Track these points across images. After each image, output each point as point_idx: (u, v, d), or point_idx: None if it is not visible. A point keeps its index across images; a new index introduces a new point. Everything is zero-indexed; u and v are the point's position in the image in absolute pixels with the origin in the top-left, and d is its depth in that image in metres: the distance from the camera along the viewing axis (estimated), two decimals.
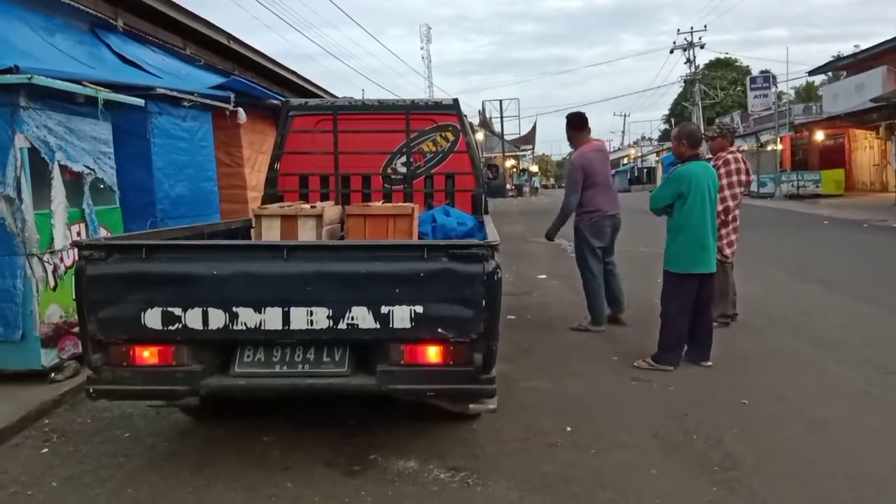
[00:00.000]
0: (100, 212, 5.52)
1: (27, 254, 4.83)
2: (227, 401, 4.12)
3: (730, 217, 6.19)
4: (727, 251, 6.20)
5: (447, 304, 3.19)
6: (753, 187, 30.64)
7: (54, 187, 5.04)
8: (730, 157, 6.28)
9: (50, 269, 4.99)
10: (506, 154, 50.15)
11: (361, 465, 3.62)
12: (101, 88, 5.51)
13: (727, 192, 6.10)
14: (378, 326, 3.19)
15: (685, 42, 45.08)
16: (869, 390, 4.66)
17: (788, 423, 4.11)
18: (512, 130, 55.51)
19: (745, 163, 6.37)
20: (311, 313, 3.18)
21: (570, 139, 6.71)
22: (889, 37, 25.50)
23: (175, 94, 6.98)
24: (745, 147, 35.32)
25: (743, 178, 6.29)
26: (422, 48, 56.56)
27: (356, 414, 4.22)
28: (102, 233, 5.47)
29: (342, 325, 3.19)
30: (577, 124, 6.65)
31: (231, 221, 5.71)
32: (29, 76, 4.65)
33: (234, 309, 3.18)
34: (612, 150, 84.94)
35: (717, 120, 31.48)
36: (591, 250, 6.45)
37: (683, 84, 49.62)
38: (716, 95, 49.87)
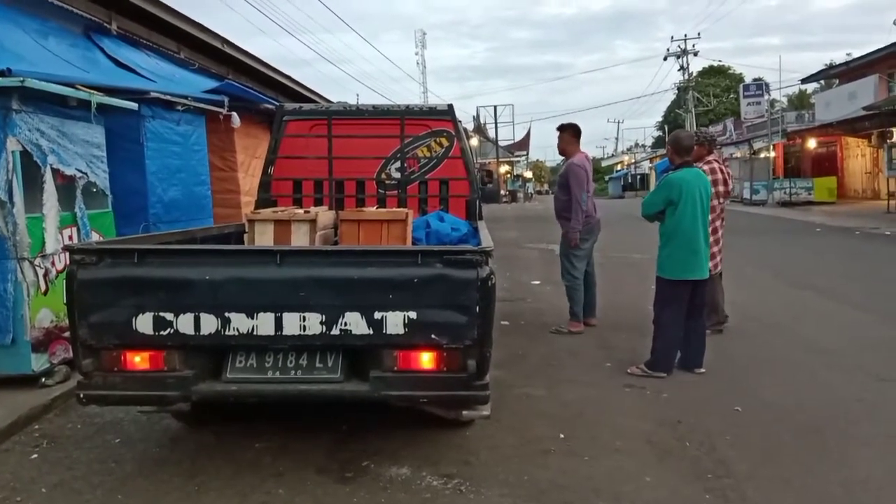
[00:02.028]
0: (92, 216, 5.49)
1: (18, 258, 4.79)
2: (219, 407, 4.09)
3: (708, 230, 5.98)
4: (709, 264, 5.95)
5: (441, 310, 3.18)
6: (746, 194, 30.81)
7: (46, 191, 5.01)
8: (705, 167, 6.02)
9: (41, 273, 4.96)
10: (500, 160, 50.18)
11: (354, 472, 3.60)
12: (95, 92, 5.49)
13: None
14: (371, 332, 3.18)
15: (679, 49, 45.40)
16: (862, 397, 4.67)
17: (781, 429, 4.11)
18: (506, 136, 55.60)
19: (722, 172, 6.23)
20: (304, 319, 3.17)
21: (565, 147, 6.74)
22: (881, 45, 25.70)
23: (169, 97, 6.96)
24: (738, 154, 35.48)
25: (721, 188, 6.12)
26: (417, 53, 56.77)
27: (349, 420, 4.20)
28: (94, 237, 5.43)
29: (335, 331, 3.18)
30: (574, 132, 6.75)
31: (224, 226, 5.68)
32: (22, 79, 4.62)
33: (227, 314, 3.17)
34: (605, 156, 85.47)
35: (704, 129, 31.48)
36: (582, 253, 6.63)
37: (677, 91, 49.91)
38: (709, 103, 50.13)
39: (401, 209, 5.24)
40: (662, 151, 49.03)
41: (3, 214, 4.75)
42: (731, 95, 49.49)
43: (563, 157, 6.94)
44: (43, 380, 4.89)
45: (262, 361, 3.33)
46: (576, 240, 6.54)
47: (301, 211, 5.04)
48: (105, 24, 8.54)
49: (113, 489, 3.46)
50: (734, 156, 35.29)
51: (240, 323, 3.17)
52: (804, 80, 37.33)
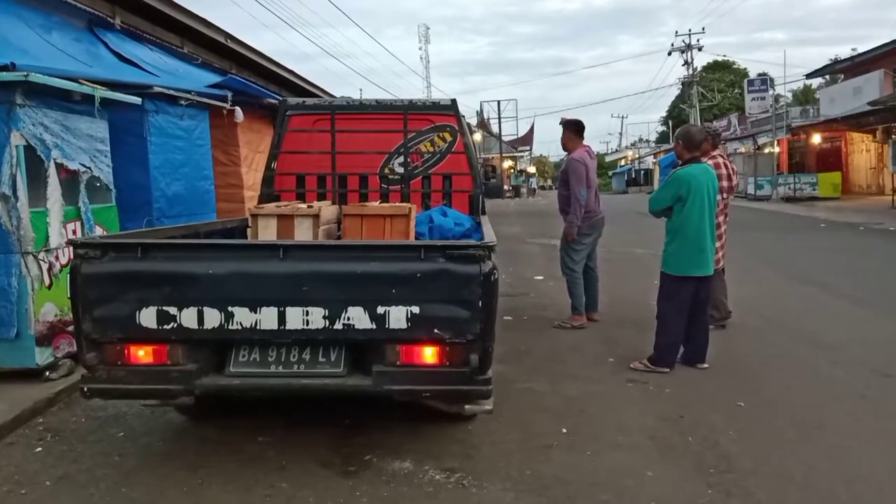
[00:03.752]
0: (96, 210, 5.51)
1: (22, 252, 4.81)
2: (223, 400, 4.11)
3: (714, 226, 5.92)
4: None
5: (444, 305, 3.18)
6: (750, 190, 30.73)
7: (50, 185, 5.02)
8: (710, 162, 5.87)
9: (45, 267, 4.97)
10: (503, 155, 50.12)
11: (357, 466, 3.61)
12: (98, 86, 5.50)
13: None
14: (374, 327, 3.18)
15: (683, 44, 45.18)
16: (865, 393, 4.66)
17: (784, 425, 4.11)
18: (510, 131, 55.52)
19: (726, 167, 6.18)
20: (307, 313, 3.17)
21: (566, 143, 6.76)
22: (886, 40, 25.57)
23: (172, 92, 6.97)
24: (742, 149, 35.38)
25: (724, 184, 6.05)
26: (420, 48, 56.69)
27: (352, 414, 4.21)
28: (98, 231, 5.44)
29: (338, 326, 3.18)
30: (576, 129, 6.76)
31: (227, 221, 5.69)
32: (26, 73, 4.63)
33: (230, 308, 3.17)
34: (609, 151, 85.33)
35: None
36: (582, 248, 6.65)
37: (681, 86, 49.71)
38: (713, 98, 49.97)
39: (404, 204, 5.24)
40: (667, 146, 48.99)
41: (8, 209, 4.76)
42: (736, 90, 49.31)
43: (566, 152, 6.94)
44: (47, 373, 4.91)
45: (266, 356, 3.34)
46: (573, 234, 6.58)
47: (304, 206, 5.04)
48: (108, 19, 8.55)
49: (117, 482, 3.47)
50: (738, 151, 35.19)
51: (243, 317, 3.18)
52: (809, 76, 37.24)
